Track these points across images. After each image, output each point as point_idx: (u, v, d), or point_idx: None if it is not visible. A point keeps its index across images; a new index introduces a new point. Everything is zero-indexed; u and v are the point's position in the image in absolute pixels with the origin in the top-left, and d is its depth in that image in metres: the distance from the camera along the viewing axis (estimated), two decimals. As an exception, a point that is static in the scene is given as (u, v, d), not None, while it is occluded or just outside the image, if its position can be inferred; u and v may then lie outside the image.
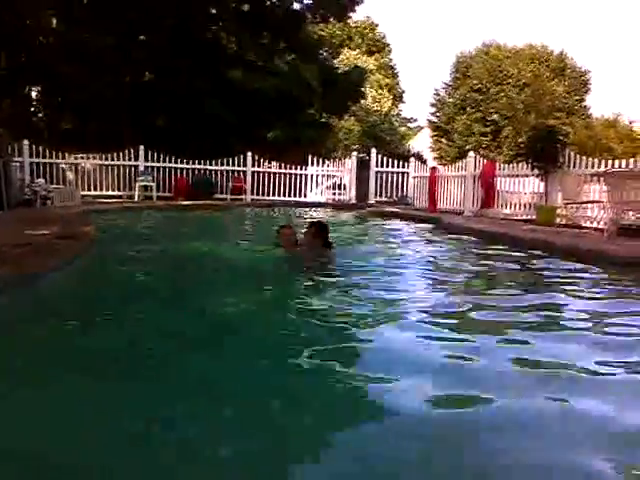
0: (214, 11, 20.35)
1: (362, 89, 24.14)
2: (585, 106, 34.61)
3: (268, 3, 20.53)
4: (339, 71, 24.07)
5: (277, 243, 5.85)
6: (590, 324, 3.35)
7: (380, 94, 37.05)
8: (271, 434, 1.93)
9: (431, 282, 5.03)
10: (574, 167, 10.61)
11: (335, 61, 30.43)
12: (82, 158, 16.28)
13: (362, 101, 28.61)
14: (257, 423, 2.00)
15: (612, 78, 73.78)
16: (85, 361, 2.57)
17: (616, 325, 3.34)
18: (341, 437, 1.94)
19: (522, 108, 31.62)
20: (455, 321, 3.45)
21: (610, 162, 9.98)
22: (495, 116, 32.53)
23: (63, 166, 15.83)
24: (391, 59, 41.57)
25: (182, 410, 2.07)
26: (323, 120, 23.66)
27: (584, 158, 10.55)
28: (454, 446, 1.84)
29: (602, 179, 9.30)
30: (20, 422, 1.94)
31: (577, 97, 33.84)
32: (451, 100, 34.93)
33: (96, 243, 6.10)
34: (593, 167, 10.16)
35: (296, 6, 21.23)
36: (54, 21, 18.53)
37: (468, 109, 33.50)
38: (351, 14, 22.93)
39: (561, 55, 34.67)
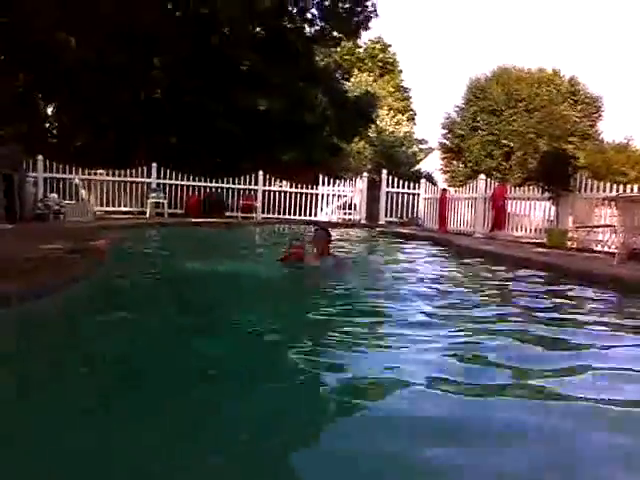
0: (227, 32, 20.64)
1: (373, 114, 24.35)
2: (596, 131, 34.56)
3: (281, 26, 20.82)
4: (350, 95, 24.31)
5: (290, 254, 6.05)
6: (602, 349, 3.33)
7: (394, 117, 37.35)
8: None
9: (436, 301, 4.99)
10: (585, 191, 10.62)
11: (348, 83, 30.67)
12: (95, 174, 16.47)
13: (376, 124, 28.84)
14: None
15: (622, 103, 73.73)
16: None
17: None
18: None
19: (534, 131, 31.63)
20: (459, 339, 3.44)
21: (622, 187, 9.97)
22: (508, 138, 32.54)
23: (76, 181, 16.01)
24: (402, 80, 42.01)
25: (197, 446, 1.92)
26: (335, 142, 23.80)
27: (595, 182, 10.56)
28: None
29: (613, 203, 9.28)
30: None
31: (589, 122, 33.80)
32: (463, 122, 34.98)
33: (109, 258, 6.14)
34: (605, 191, 10.15)
35: (308, 30, 21.61)
36: (72, 40, 18.86)
37: (480, 131, 33.54)
38: (364, 32, 23.22)
39: (572, 80, 34.73)
